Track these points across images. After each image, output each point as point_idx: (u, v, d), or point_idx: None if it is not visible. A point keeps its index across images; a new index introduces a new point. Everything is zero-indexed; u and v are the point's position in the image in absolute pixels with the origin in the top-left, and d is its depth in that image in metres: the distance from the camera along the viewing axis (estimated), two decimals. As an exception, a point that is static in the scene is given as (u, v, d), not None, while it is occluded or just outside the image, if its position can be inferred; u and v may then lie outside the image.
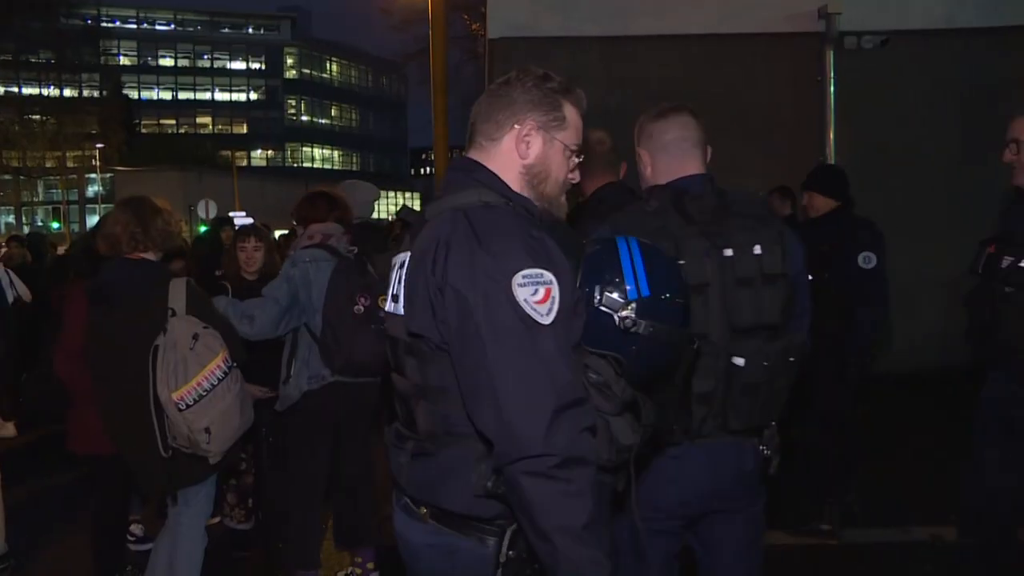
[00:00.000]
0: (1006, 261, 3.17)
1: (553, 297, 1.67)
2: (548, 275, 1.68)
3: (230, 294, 4.52)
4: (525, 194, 1.91)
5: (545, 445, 1.59)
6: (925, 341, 9.01)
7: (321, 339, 3.81)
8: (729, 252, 2.33)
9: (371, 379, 4.00)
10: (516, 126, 1.91)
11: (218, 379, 3.15)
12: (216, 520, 4.77)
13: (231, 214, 31.52)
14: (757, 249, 2.33)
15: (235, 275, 4.67)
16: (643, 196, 2.57)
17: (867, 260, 4.46)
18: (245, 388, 3.36)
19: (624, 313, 1.84)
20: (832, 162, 8.63)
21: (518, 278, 1.66)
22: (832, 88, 8.75)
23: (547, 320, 1.65)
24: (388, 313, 1.97)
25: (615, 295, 1.85)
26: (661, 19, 8.82)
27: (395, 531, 1.98)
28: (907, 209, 8.93)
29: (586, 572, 1.61)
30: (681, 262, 2.25)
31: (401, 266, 1.90)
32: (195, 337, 3.13)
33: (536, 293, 1.65)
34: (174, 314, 3.18)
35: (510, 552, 1.77)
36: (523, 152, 1.91)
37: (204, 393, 3.10)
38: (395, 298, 1.92)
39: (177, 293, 3.24)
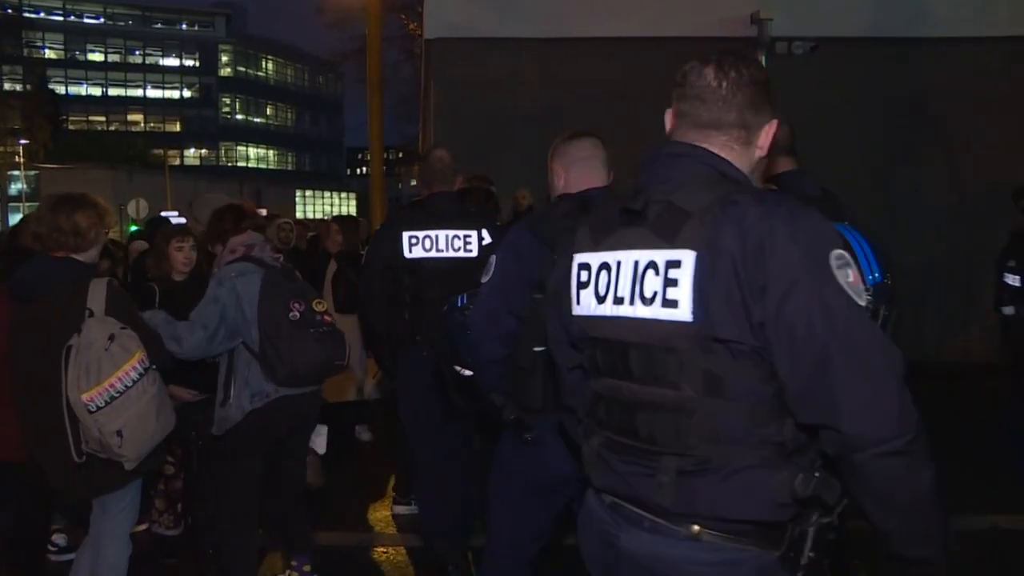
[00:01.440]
0: None
1: (857, 276, 1.61)
2: (847, 255, 1.61)
3: (158, 296, 4.44)
4: None
5: (903, 423, 1.54)
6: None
7: (260, 353, 3.69)
8: None
9: (315, 387, 3.94)
10: (767, 127, 1.84)
11: (133, 380, 3.05)
12: (144, 527, 4.65)
13: (164, 214, 30.83)
14: None
15: (165, 276, 4.57)
16: (554, 202, 2.97)
17: None
18: (165, 391, 3.28)
19: (867, 299, 1.70)
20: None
21: (833, 260, 1.58)
22: (763, 92, 8.95)
23: (863, 301, 1.60)
24: (626, 318, 1.75)
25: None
26: (597, 22, 8.90)
27: (634, 553, 1.79)
28: (835, 211, 9.16)
29: (937, 535, 1.65)
30: None
31: (652, 266, 1.71)
32: (111, 338, 3.03)
33: (849, 274, 1.59)
34: (92, 314, 3.10)
35: (811, 554, 1.67)
36: (764, 148, 1.85)
37: (117, 395, 3.00)
38: (645, 299, 1.71)
39: (97, 293, 3.15)
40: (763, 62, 8.86)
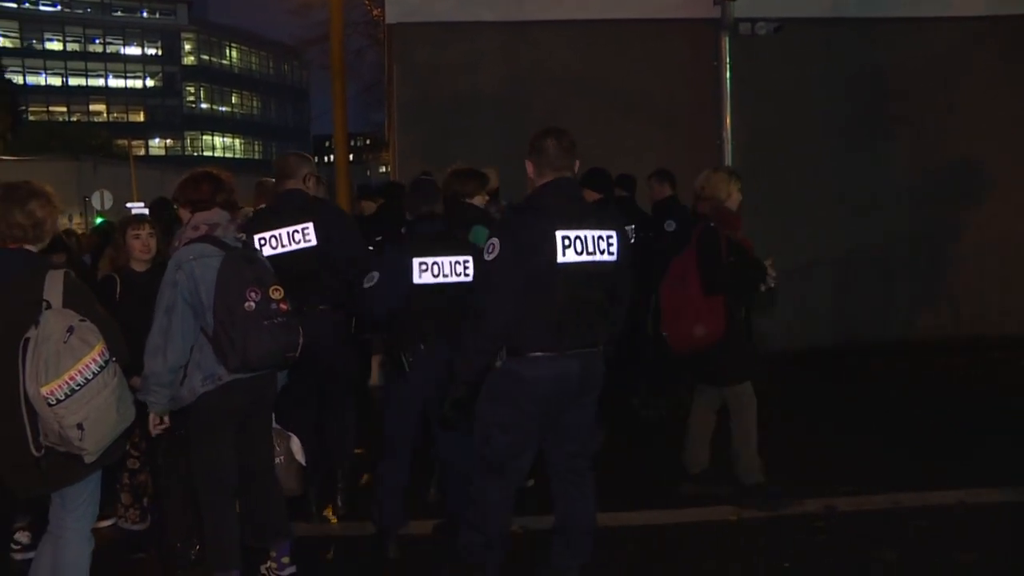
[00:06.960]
0: None
1: None
2: None
3: (119, 287, 4.41)
4: None
5: None
6: (818, 318, 9.34)
7: (214, 339, 3.66)
8: None
9: (269, 371, 3.90)
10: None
11: (93, 373, 3.01)
12: (110, 522, 4.63)
13: (128, 205, 30.37)
14: None
15: (124, 267, 4.51)
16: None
17: None
18: (126, 383, 3.24)
19: None
20: (729, 144, 8.86)
21: None
22: (728, 73, 8.95)
23: None
24: (596, 262, 3.49)
25: None
26: (558, 4, 8.87)
27: (587, 366, 3.56)
28: (799, 191, 9.22)
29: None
30: None
31: (608, 237, 3.52)
32: (70, 330, 2.99)
33: None
34: (49, 307, 3.05)
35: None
36: None
37: (77, 387, 2.96)
38: (603, 252, 3.50)
39: (54, 285, 3.09)
40: (726, 44, 8.87)
